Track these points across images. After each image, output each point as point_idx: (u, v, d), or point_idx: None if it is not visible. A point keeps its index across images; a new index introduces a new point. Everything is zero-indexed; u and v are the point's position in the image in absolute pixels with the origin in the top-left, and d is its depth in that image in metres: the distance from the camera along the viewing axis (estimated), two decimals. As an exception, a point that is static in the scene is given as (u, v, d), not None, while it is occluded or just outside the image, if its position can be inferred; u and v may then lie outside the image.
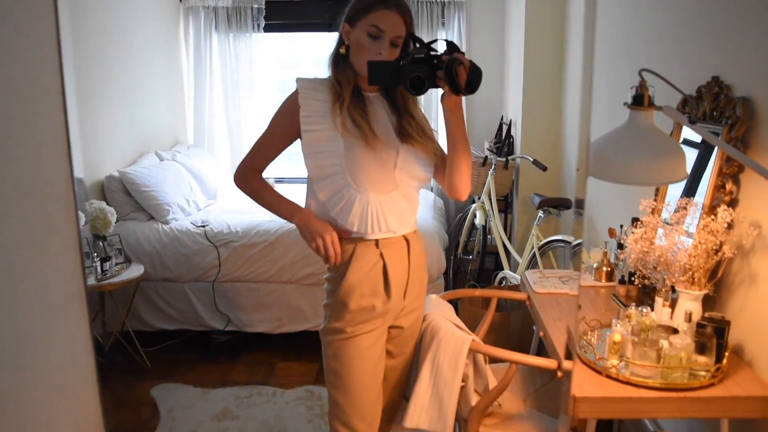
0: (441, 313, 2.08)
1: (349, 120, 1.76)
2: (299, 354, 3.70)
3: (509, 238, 4.44)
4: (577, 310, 1.58)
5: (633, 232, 2.02)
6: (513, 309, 3.16)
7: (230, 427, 2.96)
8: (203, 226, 3.73)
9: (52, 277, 0.88)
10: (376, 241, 1.82)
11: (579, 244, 3.42)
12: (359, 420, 1.84)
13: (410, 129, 1.83)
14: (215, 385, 3.36)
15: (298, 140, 1.85)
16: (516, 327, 3.07)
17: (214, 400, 3.21)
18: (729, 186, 1.92)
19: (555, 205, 3.66)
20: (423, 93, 1.69)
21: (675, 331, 1.82)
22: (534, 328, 2.65)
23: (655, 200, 2.25)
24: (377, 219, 1.79)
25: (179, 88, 5.10)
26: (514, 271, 3.79)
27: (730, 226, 1.84)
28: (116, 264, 3.43)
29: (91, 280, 3.27)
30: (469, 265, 4.49)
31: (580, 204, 3.51)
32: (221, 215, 3.96)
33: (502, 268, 3.96)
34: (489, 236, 4.29)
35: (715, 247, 1.83)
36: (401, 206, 1.85)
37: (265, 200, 1.89)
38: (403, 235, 1.88)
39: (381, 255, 1.83)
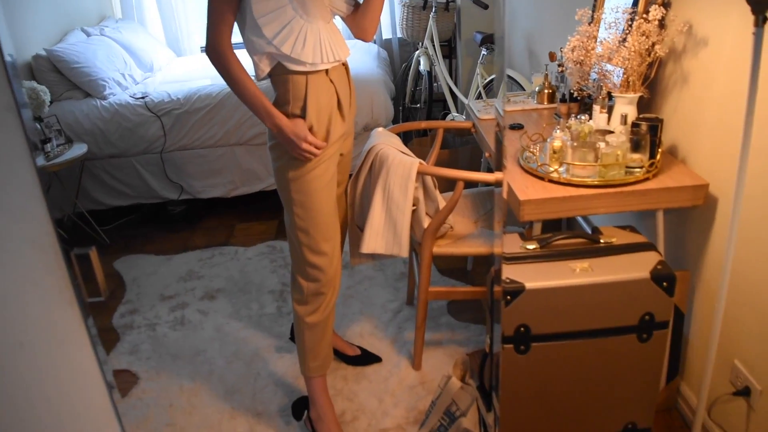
0: (388, 142, 2.11)
1: None
2: (258, 214, 3.74)
3: (455, 83, 4.43)
4: (500, 129, 1.64)
5: (569, 42, 2.03)
6: (461, 145, 3.21)
7: (197, 285, 3.04)
8: (143, 98, 3.62)
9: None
10: (326, 71, 1.82)
11: (493, 79, 3.46)
12: (326, 242, 1.90)
13: None
14: (177, 251, 3.40)
15: None
16: (465, 162, 3.14)
17: (177, 264, 3.26)
18: (662, -12, 1.93)
19: (497, 41, 3.64)
20: None
21: (612, 133, 1.88)
22: (482, 160, 2.72)
23: (593, 11, 2.26)
24: (330, 47, 1.79)
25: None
26: (461, 113, 3.82)
27: (662, 24, 1.87)
28: (57, 145, 3.33)
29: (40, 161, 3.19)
30: (417, 114, 4.50)
31: (490, 39, 3.52)
32: (160, 86, 3.83)
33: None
34: (435, 84, 4.27)
35: (647, 48, 1.86)
36: (338, 34, 1.86)
37: (246, 90, 1.75)
38: (343, 63, 1.90)
39: (332, 82, 1.84)
